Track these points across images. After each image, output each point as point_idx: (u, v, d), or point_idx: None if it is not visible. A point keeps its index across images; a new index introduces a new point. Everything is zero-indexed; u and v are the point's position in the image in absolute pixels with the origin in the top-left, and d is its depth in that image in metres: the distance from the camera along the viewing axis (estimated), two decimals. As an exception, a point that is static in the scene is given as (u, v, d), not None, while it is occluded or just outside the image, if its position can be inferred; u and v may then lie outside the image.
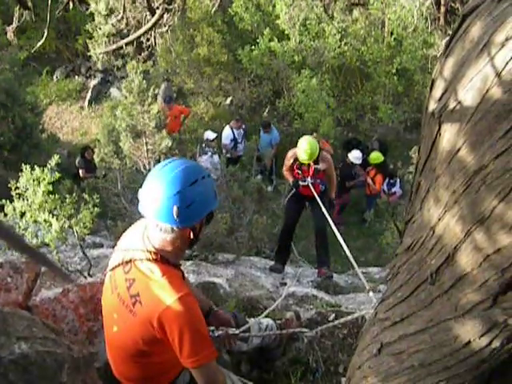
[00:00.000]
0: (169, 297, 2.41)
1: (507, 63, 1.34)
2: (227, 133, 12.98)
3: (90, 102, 16.80)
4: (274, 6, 15.28)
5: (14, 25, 6.06)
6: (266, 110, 15.48)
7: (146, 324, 2.45)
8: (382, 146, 13.94)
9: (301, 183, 7.82)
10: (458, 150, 1.45)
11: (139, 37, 7.50)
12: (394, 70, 14.36)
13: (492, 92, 1.36)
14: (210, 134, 12.50)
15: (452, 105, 1.47)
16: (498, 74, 1.33)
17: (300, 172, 7.81)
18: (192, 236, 2.56)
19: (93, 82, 17.08)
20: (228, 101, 16.38)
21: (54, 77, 17.28)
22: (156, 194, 2.44)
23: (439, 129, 1.53)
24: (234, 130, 12.93)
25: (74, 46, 17.22)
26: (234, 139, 12.81)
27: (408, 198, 1.87)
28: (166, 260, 2.58)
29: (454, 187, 1.47)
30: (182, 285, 2.52)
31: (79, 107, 16.82)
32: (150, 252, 2.56)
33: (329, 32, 14.38)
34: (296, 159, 7.74)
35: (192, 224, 2.51)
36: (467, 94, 1.42)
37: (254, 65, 14.97)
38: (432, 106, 1.60)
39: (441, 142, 1.54)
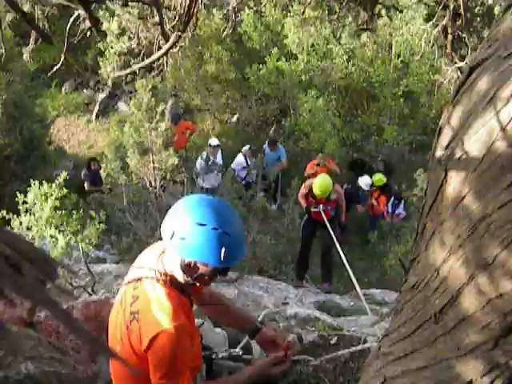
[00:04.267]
0: (164, 323, 2.44)
1: (512, 118, 1.39)
2: (240, 160, 12.87)
3: (97, 116, 16.88)
4: (282, 26, 15.39)
5: (31, 46, 6.14)
6: (272, 129, 15.54)
7: (138, 341, 2.48)
8: (387, 167, 14.00)
9: (313, 209, 8.97)
10: (464, 197, 1.50)
11: (148, 55, 7.61)
12: (400, 92, 14.43)
13: (497, 145, 1.42)
14: (213, 141, 12.58)
15: (458, 154, 1.52)
16: (503, 128, 1.39)
17: (314, 199, 8.92)
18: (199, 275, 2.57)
19: (101, 96, 17.17)
20: (235, 118, 16.45)
21: (63, 89, 17.38)
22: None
23: (445, 175, 1.58)
24: (248, 159, 12.79)
25: (83, 60, 17.32)
26: (248, 167, 12.72)
27: (414, 237, 1.91)
28: (175, 285, 2.61)
29: (459, 232, 1.52)
30: (182, 314, 2.54)
31: (86, 120, 16.89)
32: (161, 273, 2.61)
33: (336, 53, 14.49)
34: (311, 189, 8.84)
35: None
36: (473, 145, 1.47)
37: (262, 83, 15.06)
38: (439, 152, 1.65)
39: (447, 188, 1.59)
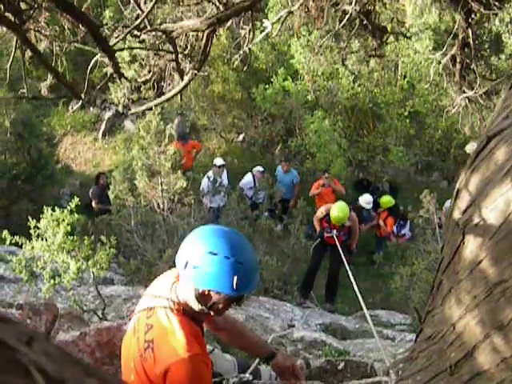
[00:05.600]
0: (179, 353, 2.45)
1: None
2: (248, 180, 12.85)
3: (103, 134, 16.95)
4: (288, 46, 15.50)
5: (48, 82, 6.24)
6: (278, 148, 15.61)
7: (152, 370, 2.49)
8: (393, 187, 14.06)
9: (326, 234, 9.39)
10: (481, 261, 1.56)
11: (158, 81, 7.72)
12: (406, 113, 14.51)
13: (514, 215, 1.48)
14: (218, 161, 12.60)
15: (476, 220, 1.59)
16: (521, 204, 1.45)
17: (328, 224, 9.34)
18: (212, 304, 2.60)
19: (107, 114, 17.26)
20: (240, 137, 16.52)
21: (70, 108, 17.47)
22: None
23: (463, 238, 1.65)
24: (256, 180, 12.77)
25: (90, 79, 17.40)
26: (255, 187, 12.71)
27: (429, 290, 1.97)
28: (188, 313, 2.64)
29: (475, 293, 1.58)
30: (196, 343, 2.55)
31: (93, 139, 16.96)
32: (174, 302, 2.63)
33: (342, 73, 14.58)
34: (327, 214, 9.21)
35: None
36: (491, 213, 1.54)
37: (268, 103, 15.10)
38: (457, 215, 1.72)
39: (464, 250, 1.65)
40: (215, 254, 2.50)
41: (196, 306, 2.62)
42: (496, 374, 1.59)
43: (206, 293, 2.56)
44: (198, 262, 2.52)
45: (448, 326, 1.74)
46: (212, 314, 2.69)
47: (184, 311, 2.63)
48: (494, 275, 1.51)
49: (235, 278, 2.50)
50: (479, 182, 1.62)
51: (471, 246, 1.62)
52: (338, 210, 9.10)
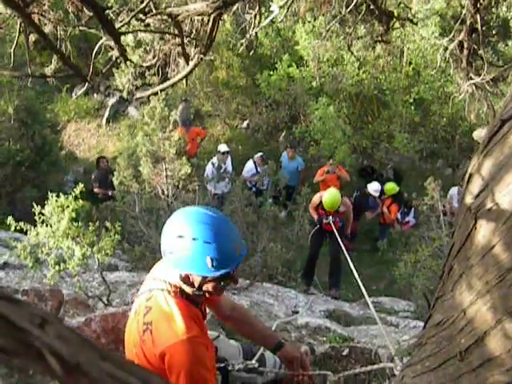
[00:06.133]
0: (177, 335, 2.46)
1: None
2: (250, 167, 12.93)
3: (107, 121, 16.93)
4: (293, 32, 15.42)
5: (53, 66, 6.20)
6: (282, 135, 15.57)
7: (151, 352, 2.50)
8: (397, 174, 14.02)
9: (324, 220, 9.60)
10: (493, 246, 1.54)
11: (163, 67, 7.67)
12: (411, 100, 14.44)
13: (529, 200, 1.46)
14: (222, 147, 12.62)
15: (489, 205, 1.56)
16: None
17: (324, 211, 9.56)
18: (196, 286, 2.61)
19: (111, 101, 17.23)
20: (245, 124, 16.48)
21: (73, 94, 17.42)
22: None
23: (475, 223, 1.63)
24: (258, 166, 12.82)
25: (94, 65, 17.35)
26: (258, 173, 12.72)
27: (439, 276, 1.95)
28: (186, 296, 2.64)
29: (488, 279, 1.56)
30: (195, 325, 2.56)
31: (97, 125, 16.94)
32: (171, 285, 2.64)
33: (347, 60, 14.51)
34: (321, 202, 9.43)
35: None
36: (504, 198, 1.51)
37: (272, 89, 15.08)
38: (469, 200, 1.69)
39: (476, 235, 1.63)
40: (182, 237, 2.50)
41: (188, 290, 2.64)
42: (507, 360, 1.57)
43: (189, 276, 2.58)
44: (171, 248, 2.54)
45: (458, 312, 1.72)
46: (207, 295, 2.70)
47: (181, 294, 2.64)
48: (507, 260, 1.49)
49: (207, 258, 2.49)
50: (492, 166, 1.60)
51: (484, 231, 1.60)
52: (329, 197, 9.32)
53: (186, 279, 2.58)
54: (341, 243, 7.98)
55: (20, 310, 0.59)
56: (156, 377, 0.72)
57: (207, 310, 3.03)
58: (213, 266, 2.49)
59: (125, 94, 7.26)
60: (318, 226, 9.81)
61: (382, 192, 12.72)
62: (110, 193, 11.40)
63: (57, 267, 5.46)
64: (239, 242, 2.63)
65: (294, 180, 12.95)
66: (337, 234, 8.79)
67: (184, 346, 2.43)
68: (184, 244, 2.49)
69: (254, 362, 3.43)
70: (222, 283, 2.64)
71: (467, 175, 1.74)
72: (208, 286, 2.60)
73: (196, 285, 2.59)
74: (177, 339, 2.44)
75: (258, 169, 12.68)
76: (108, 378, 0.60)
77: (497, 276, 1.53)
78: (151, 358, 2.51)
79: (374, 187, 12.37)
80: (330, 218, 9.48)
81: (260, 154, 13.08)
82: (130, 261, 8.25)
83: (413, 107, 14.54)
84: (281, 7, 6.15)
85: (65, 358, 0.57)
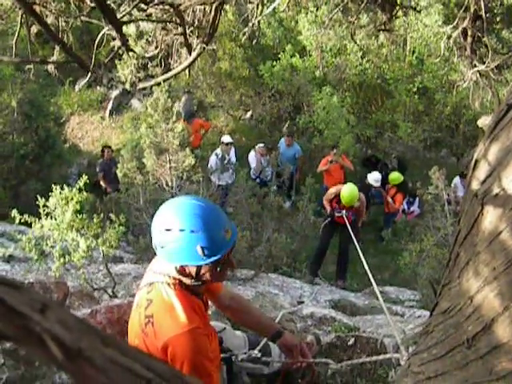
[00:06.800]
0: (179, 327, 2.46)
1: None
2: (252, 158, 12.94)
3: (110, 113, 16.92)
4: (296, 22, 15.37)
5: (55, 57, 6.18)
6: (286, 125, 15.53)
7: (153, 345, 2.50)
8: (401, 164, 13.98)
9: (336, 214, 9.70)
10: (500, 232, 1.52)
11: (166, 58, 7.65)
12: (414, 89, 14.40)
13: (536, 183, 1.44)
14: (226, 138, 12.58)
15: (496, 190, 1.55)
16: (542, 169, 1.41)
17: (338, 205, 9.64)
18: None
19: (114, 93, 17.21)
20: (248, 115, 16.45)
21: (76, 87, 17.39)
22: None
23: (482, 209, 1.61)
24: (261, 157, 12.78)
25: (96, 57, 17.32)
26: (260, 164, 12.72)
27: (446, 263, 1.94)
28: (186, 287, 2.64)
29: (495, 265, 1.55)
30: (196, 316, 2.57)
31: (100, 117, 16.94)
32: (171, 277, 2.63)
33: (350, 49, 14.46)
34: (337, 195, 9.51)
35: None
36: (511, 183, 1.50)
37: (275, 80, 15.03)
38: (475, 185, 1.67)
39: (483, 221, 1.61)
40: (170, 230, 2.50)
41: (186, 281, 2.64)
42: (515, 347, 1.56)
43: (184, 268, 2.58)
44: (161, 242, 2.55)
45: (465, 299, 1.71)
46: (208, 283, 2.71)
47: (181, 285, 2.63)
48: (515, 246, 1.48)
49: (198, 247, 2.49)
50: (499, 151, 1.58)
51: (490, 216, 1.58)
52: (348, 192, 9.32)
53: (183, 271, 2.58)
54: (353, 237, 7.94)
55: (20, 295, 0.58)
56: (159, 363, 0.71)
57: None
58: (204, 254, 2.49)
59: (128, 86, 7.23)
60: (330, 218, 9.87)
61: (385, 180, 12.68)
62: (116, 186, 11.40)
63: (62, 259, 5.45)
64: (228, 226, 2.61)
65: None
66: (349, 227, 8.83)
67: (186, 337, 2.44)
68: (173, 236, 2.49)
69: (256, 351, 3.43)
70: (219, 269, 2.63)
71: (473, 161, 1.72)
72: (205, 275, 2.60)
73: (193, 275, 2.59)
74: (178, 331, 2.45)
75: (261, 160, 12.66)
76: (111, 364, 0.59)
77: (504, 262, 1.51)
78: (154, 350, 2.51)
79: (373, 177, 12.28)
80: (344, 211, 9.55)
81: (262, 144, 13.04)
82: (135, 252, 8.26)
83: (416, 96, 14.51)
84: (283, -4, 6.12)
85: (66, 343, 0.56)
